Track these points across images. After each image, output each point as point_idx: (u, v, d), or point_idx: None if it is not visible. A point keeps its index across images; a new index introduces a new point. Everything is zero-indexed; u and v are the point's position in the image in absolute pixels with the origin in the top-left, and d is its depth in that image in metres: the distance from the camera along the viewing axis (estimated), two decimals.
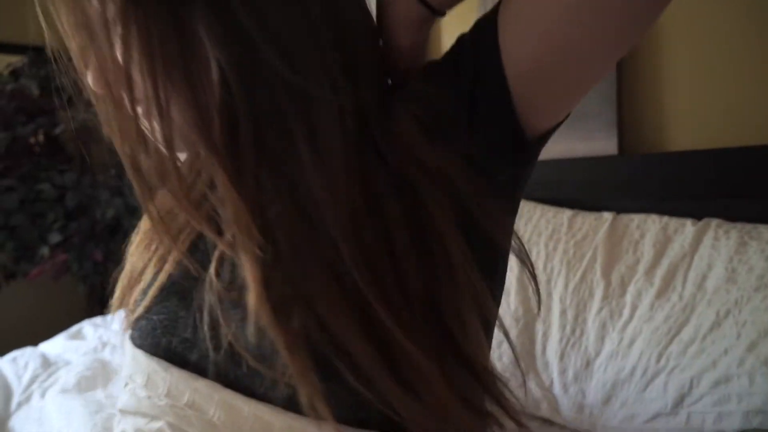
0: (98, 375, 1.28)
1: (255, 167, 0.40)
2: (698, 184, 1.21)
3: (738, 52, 1.25)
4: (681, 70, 1.33)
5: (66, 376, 1.30)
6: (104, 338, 1.51)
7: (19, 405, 1.29)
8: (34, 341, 2.32)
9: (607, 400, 1.06)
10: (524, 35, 0.42)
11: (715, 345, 0.95)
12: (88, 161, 2.39)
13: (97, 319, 1.68)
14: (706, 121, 1.30)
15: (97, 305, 2.63)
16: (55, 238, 2.24)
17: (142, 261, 0.52)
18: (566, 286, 1.23)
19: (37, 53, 2.48)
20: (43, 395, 1.29)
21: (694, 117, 1.32)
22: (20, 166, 2.31)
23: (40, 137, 2.41)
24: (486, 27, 0.44)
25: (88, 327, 1.61)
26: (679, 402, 0.95)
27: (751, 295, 0.97)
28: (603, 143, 1.38)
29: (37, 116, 2.32)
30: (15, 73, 2.39)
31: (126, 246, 0.54)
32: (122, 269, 0.54)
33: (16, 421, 1.22)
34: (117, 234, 2.44)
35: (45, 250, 2.25)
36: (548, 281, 1.26)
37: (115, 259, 2.36)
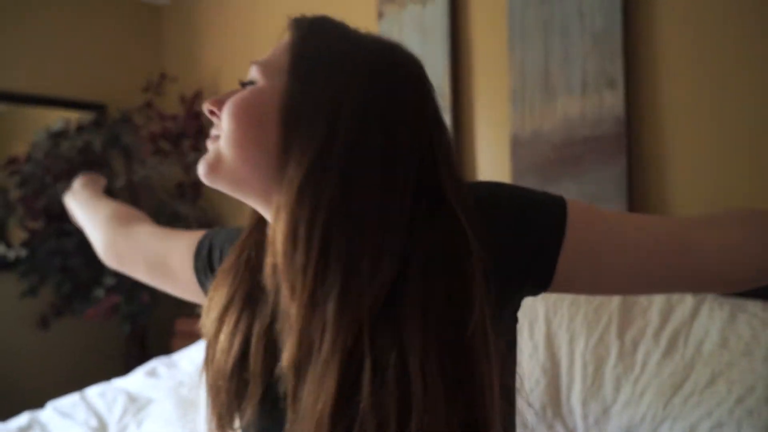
0: (188, 412, 1.49)
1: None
2: None
3: (740, 148, 1.54)
4: (683, 166, 1.61)
5: (158, 411, 1.51)
6: (177, 377, 1.72)
7: None
8: (82, 375, 2.52)
9: None
10: (590, 276, 0.56)
11: (711, 398, 1.19)
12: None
13: (164, 359, 1.89)
14: (706, 209, 1.57)
15: (137, 345, 2.83)
16: (110, 280, 2.45)
17: (229, 356, 0.56)
18: (587, 344, 1.47)
19: (100, 111, 2.74)
20: (139, 426, 1.50)
21: (695, 207, 1.59)
22: None
23: None
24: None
25: (160, 366, 1.82)
26: None
27: (740, 359, 1.22)
28: None
29: (97, 168, 2.57)
30: (80, 129, 2.64)
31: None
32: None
33: None
34: None
35: (100, 292, 2.46)
36: (571, 340, 1.51)
37: (160, 302, 2.57)
